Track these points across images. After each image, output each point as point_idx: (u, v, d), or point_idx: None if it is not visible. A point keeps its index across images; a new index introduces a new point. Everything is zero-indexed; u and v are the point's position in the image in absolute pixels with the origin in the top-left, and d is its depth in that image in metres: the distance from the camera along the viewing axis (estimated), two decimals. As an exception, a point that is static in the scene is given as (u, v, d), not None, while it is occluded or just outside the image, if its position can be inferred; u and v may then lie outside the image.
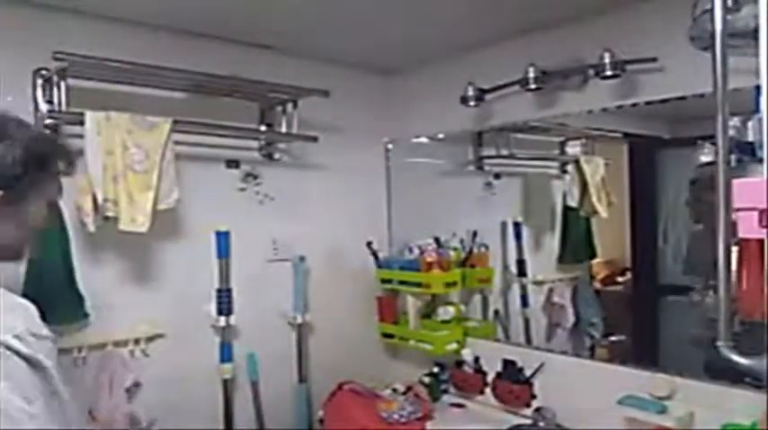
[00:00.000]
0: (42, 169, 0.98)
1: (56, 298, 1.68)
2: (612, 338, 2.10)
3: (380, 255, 2.46)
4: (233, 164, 2.15)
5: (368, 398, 2.16)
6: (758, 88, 0.82)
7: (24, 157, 0.93)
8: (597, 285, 2.23)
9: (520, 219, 2.39)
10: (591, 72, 1.83)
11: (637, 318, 2.10)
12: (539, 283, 2.36)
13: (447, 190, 2.57)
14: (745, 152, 1.00)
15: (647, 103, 1.77)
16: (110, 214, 1.69)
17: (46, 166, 0.99)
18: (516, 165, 2.39)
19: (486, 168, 2.45)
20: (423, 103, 2.51)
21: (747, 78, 0.87)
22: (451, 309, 2.31)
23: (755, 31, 0.82)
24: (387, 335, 2.47)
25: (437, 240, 2.35)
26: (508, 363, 2.11)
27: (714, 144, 0.92)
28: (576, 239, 2.24)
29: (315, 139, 2.21)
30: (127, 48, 1.79)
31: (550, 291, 2.32)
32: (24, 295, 1.62)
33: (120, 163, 1.70)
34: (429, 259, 2.22)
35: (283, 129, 2.17)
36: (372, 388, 2.22)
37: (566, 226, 2.26)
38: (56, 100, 1.67)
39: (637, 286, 2.08)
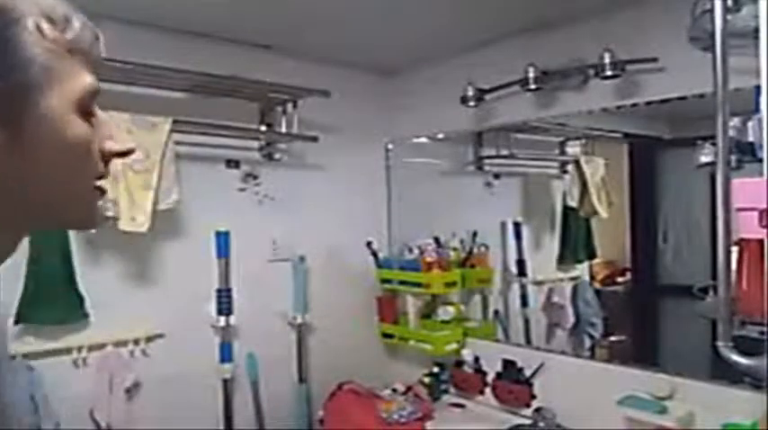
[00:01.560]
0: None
1: (56, 298, 1.69)
2: (612, 338, 2.10)
3: (380, 255, 2.46)
4: (233, 164, 2.15)
5: (368, 398, 2.16)
6: (758, 88, 0.82)
7: None
8: (597, 285, 2.23)
9: (520, 219, 2.39)
10: (591, 72, 1.83)
11: (637, 317, 2.10)
12: (539, 283, 2.36)
13: (447, 190, 2.57)
14: (745, 152, 1.01)
15: (647, 103, 1.77)
16: (110, 214, 1.69)
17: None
18: (516, 165, 2.39)
19: (486, 168, 2.45)
20: (423, 103, 2.50)
21: (747, 78, 0.87)
22: (451, 309, 2.31)
23: (755, 31, 0.82)
24: (387, 335, 2.47)
25: (437, 240, 2.34)
26: (508, 363, 2.11)
27: (714, 144, 0.92)
28: (576, 239, 2.24)
29: (315, 139, 2.21)
30: (127, 48, 1.78)
31: (550, 290, 2.32)
32: (24, 295, 1.64)
33: (120, 163, 1.70)
34: (429, 259, 2.22)
35: (283, 130, 2.17)
36: (372, 388, 2.22)
37: (566, 226, 2.26)
38: (56, 100, 1.67)
39: (637, 286, 2.07)
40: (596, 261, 2.23)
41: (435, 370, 2.29)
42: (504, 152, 2.37)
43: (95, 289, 1.78)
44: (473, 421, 2.07)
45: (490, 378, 2.17)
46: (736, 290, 1.01)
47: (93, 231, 1.68)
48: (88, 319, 1.77)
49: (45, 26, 0.46)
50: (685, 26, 1.16)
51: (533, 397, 2.03)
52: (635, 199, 2.02)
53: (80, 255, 1.76)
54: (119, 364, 1.81)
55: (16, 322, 1.64)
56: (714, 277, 0.96)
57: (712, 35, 0.91)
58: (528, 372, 2.05)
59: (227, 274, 2.08)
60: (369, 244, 2.44)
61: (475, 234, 2.39)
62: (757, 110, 0.86)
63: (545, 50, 1.97)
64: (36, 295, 1.65)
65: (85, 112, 0.49)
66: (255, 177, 2.20)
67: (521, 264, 2.39)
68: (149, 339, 1.90)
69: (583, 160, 2.15)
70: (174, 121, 1.81)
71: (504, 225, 2.41)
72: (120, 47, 1.76)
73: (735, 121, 1.02)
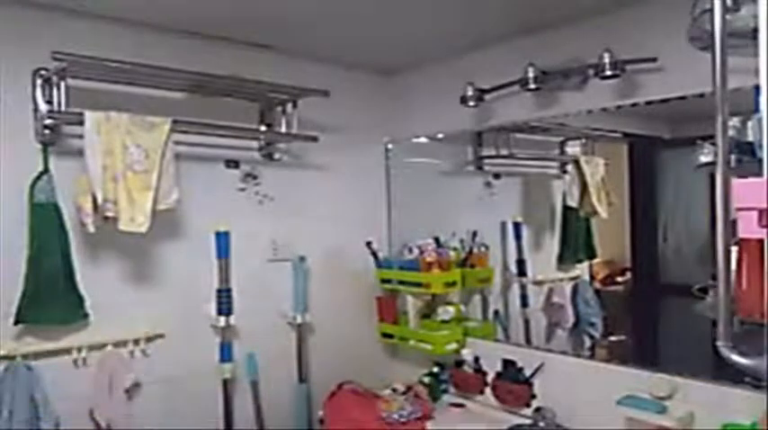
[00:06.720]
0: None
1: (56, 298, 1.69)
2: (612, 338, 2.09)
3: (380, 254, 2.46)
4: (233, 164, 2.15)
5: (368, 398, 2.16)
6: (758, 88, 0.82)
7: None
8: (597, 285, 2.22)
9: (520, 219, 2.39)
10: (591, 72, 1.83)
11: (637, 317, 2.10)
12: (539, 283, 2.36)
13: (447, 190, 2.57)
14: (745, 152, 1.01)
15: (647, 103, 1.77)
16: (109, 214, 1.69)
17: None
18: (516, 165, 2.39)
19: (486, 168, 2.45)
20: (423, 103, 2.51)
21: (747, 78, 0.87)
22: (451, 309, 2.31)
23: (755, 30, 0.82)
24: (387, 335, 2.47)
25: (437, 240, 2.34)
26: (508, 363, 2.11)
27: (714, 144, 0.92)
28: (576, 239, 2.24)
29: (315, 139, 2.21)
30: (127, 48, 1.79)
31: (550, 290, 2.31)
32: (24, 295, 1.64)
33: (120, 163, 1.69)
34: (429, 259, 2.22)
35: (283, 129, 2.17)
36: (372, 388, 2.22)
37: (566, 226, 2.26)
38: (55, 100, 1.67)
39: (637, 286, 2.07)
40: (596, 261, 2.23)
41: (435, 370, 2.29)
42: (504, 152, 2.37)
43: (95, 289, 1.78)
44: (473, 421, 2.07)
45: (490, 378, 2.17)
46: (736, 289, 1.01)
47: (93, 231, 1.68)
48: (88, 319, 1.77)
49: None
50: (685, 26, 1.16)
51: (533, 397, 2.03)
52: (635, 199, 2.02)
53: (80, 255, 1.76)
54: (119, 364, 1.81)
55: (16, 322, 1.64)
56: (714, 277, 0.95)
57: (711, 35, 0.91)
58: (528, 372, 2.05)
59: (227, 274, 2.08)
60: (369, 244, 2.44)
61: (475, 234, 2.39)
62: (757, 110, 0.86)
63: (545, 50, 1.97)
64: (36, 295, 1.65)
65: None
66: (255, 177, 2.20)
67: (521, 263, 2.39)
68: (149, 339, 1.90)
69: (583, 160, 2.15)
70: (174, 122, 1.81)
71: (504, 225, 2.41)
72: (120, 47, 1.77)
73: (734, 121, 1.02)
